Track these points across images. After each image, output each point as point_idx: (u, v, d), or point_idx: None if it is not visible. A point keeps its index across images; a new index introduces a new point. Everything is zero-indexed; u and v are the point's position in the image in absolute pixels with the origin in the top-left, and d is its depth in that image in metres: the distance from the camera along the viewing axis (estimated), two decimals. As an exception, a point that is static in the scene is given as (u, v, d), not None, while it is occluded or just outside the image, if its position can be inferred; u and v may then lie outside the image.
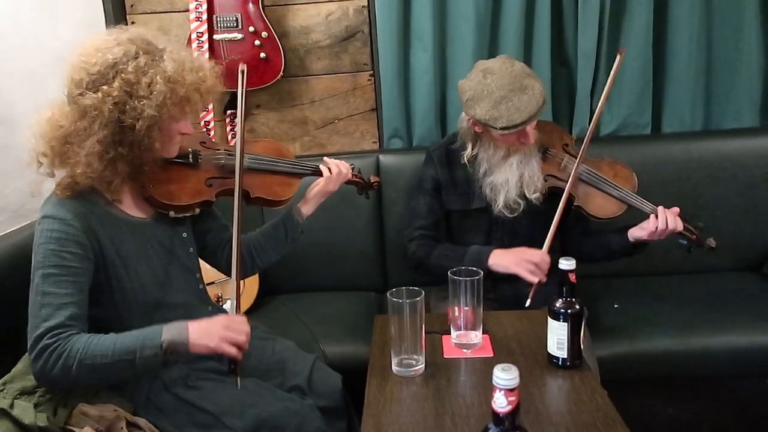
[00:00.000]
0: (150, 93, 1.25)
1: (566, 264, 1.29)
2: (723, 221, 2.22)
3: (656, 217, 1.73)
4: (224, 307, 2.01)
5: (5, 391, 1.28)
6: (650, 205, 1.79)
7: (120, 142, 1.27)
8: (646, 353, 1.85)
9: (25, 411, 1.24)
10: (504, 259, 1.74)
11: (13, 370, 1.34)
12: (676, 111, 2.37)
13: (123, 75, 1.24)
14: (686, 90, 2.33)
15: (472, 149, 1.84)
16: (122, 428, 1.27)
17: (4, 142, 1.58)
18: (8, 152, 1.49)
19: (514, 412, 0.83)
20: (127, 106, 1.25)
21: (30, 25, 1.81)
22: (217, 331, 1.26)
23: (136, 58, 1.26)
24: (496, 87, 1.67)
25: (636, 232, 1.79)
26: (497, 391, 0.82)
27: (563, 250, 1.93)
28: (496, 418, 0.83)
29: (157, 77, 1.26)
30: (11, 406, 1.24)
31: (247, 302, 2.17)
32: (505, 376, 0.81)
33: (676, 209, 1.76)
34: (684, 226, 1.76)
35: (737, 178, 2.25)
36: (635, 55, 2.29)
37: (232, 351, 1.26)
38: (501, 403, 0.81)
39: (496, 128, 1.68)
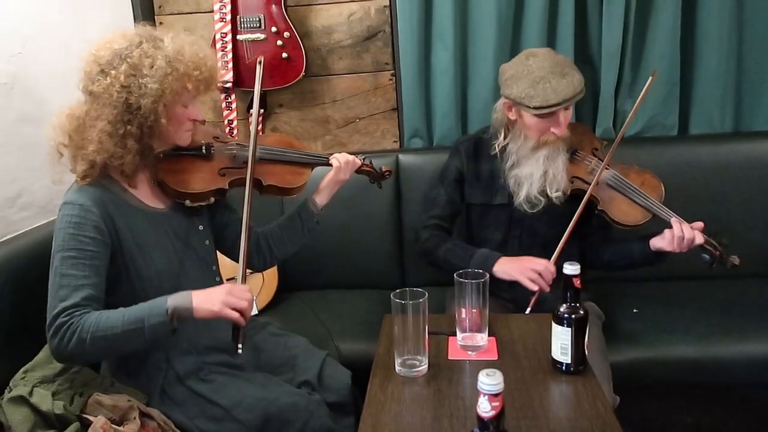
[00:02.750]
0: (152, 71, 1.34)
1: (571, 269, 1.27)
2: (751, 226, 2.17)
3: (672, 228, 1.70)
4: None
5: (26, 379, 1.35)
6: (675, 216, 1.75)
7: (128, 121, 1.35)
8: (664, 360, 1.81)
9: (43, 399, 1.30)
10: (508, 267, 1.74)
11: (35, 358, 1.40)
12: (704, 112, 2.32)
13: (128, 60, 1.34)
14: (715, 90, 2.27)
15: (504, 139, 1.84)
16: (135, 418, 1.32)
17: (33, 140, 1.65)
18: (36, 150, 1.56)
19: (498, 417, 0.83)
20: (132, 86, 1.34)
21: (59, 27, 1.88)
22: (219, 296, 1.29)
23: (140, 45, 1.37)
24: (537, 68, 1.69)
25: (657, 242, 1.75)
26: (481, 396, 0.82)
27: (582, 258, 1.91)
28: (481, 423, 0.84)
29: (158, 57, 1.36)
30: (30, 393, 1.30)
31: (266, 298, 2.22)
32: (489, 381, 0.81)
33: (700, 224, 1.71)
34: (707, 240, 1.71)
35: (767, 182, 2.18)
36: (662, 54, 2.25)
37: (234, 315, 1.29)
38: (485, 408, 0.82)
39: (530, 107, 1.69)
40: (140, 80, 1.34)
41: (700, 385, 1.87)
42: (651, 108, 2.31)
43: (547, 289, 1.68)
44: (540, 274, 1.68)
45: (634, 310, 2.02)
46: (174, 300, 1.27)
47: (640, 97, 1.79)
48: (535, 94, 1.67)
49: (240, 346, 1.32)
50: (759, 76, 2.27)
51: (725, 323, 1.89)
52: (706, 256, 1.73)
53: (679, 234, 1.67)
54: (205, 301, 1.28)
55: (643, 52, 2.27)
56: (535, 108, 1.68)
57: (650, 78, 1.79)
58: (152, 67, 1.34)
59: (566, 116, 1.73)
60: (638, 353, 1.82)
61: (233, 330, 1.33)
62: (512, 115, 1.79)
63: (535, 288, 1.69)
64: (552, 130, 1.73)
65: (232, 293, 1.30)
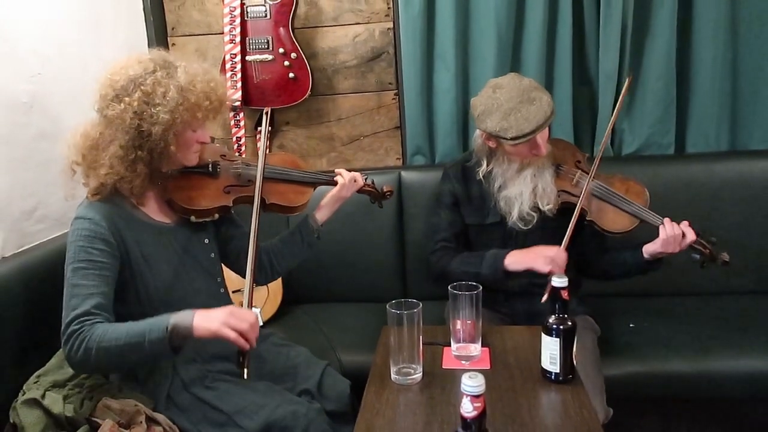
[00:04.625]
0: (164, 101, 1.39)
1: (558, 281, 1.32)
2: (747, 243, 2.20)
3: (664, 227, 1.74)
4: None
5: (39, 383, 1.42)
6: (662, 219, 1.79)
7: (139, 146, 1.41)
8: (660, 374, 1.85)
9: (55, 402, 1.36)
10: (519, 257, 1.77)
11: (47, 364, 1.47)
12: (700, 131, 2.37)
13: (142, 87, 1.39)
14: (711, 109, 2.33)
15: (487, 165, 1.89)
16: (141, 422, 1.37)
17: (49, 155, 1.73)
18: (52, 165, 1.63)
19: (480, 417, 0.88)
20: (145, 114, 1.39)
21: (76, 48, 1.97)
22: (219, 316, 1.29)
23: (154, 72, 1.41)
24: (505, 100, 1.74)
25: (650, 247, 1.79)
26: (464, 397, 0.87)
27: (579, 267, 1.96)
28: (464, 422, 0.89)
29: (171, 87, 1.40)
30: (43, 396, 1.37)
31: (270, 310, 2.28)
32: (471, 383, 0.86)
33: (686, 223, 1.76)
34: (696, 240, 1.76)
35: (764, 200, 2.22)
36: (658, 75, 2.31)
37: (232, 335, 1.28)
38: (467, 408, 0.87)
39: (506, 139, 1.74)
40: (152, 109, 1.39)
41: (695, 399, 1.90)
42: (648, 127, 2.37)
43: (562, 271, 1.67)
44: (551, 259, 1.70)
45: (630, 325, 2.05)
46: (176, 318, 1.29)
47: (620, 99, 1.86)
48: (508, 126, 1.72)
49: (245, 370, 1.33)
50: (753, 96, 2.32)
51: (721, 338, 1.92)
52: (696, 256, 1.77)
53: (671, 233, 1.71)
54: (205, 320, 1.29)
55: (639, 73, 2.33)
56: (512, 139, 1.73)
57: (627, 81, 1.85)
58: (165, 96, 1.39)
59: (543, 137, 1.78)
60: (634, 367, 1.85)
61: (237, 355, 1.34)
62: (492, 144, 1.84)
63: (548, 269, 1.69)
64: (533, 152, 1.79)
65: (233, 314, 1.31)
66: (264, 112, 1.74)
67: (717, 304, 2.16)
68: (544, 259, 1.71)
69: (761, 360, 1.83)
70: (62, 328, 1.32)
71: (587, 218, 1.83)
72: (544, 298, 1.69)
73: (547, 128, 1.80)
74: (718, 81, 2.29)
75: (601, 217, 1.83)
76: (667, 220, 1.76)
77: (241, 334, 1.30)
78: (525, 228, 1.85)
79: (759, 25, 2.25)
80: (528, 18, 2.32)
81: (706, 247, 1.77)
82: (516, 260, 1.77)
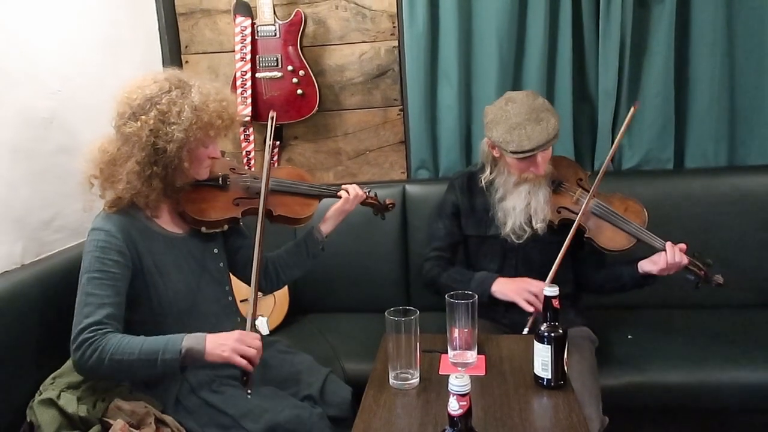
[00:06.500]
0: (179, 119, 1.46)
1: (550, 291, 1.37)
2: (743, 257, 2.23)
3: (665, 252, 1.78)
4: (255, 323, 2.17)
5: (54, 384, 1.48)
6: (659, 240, 1.84)
7: (155, 162, 1.49)
8: (657, 384, 1.88)
9: (69, 402, 1.43)
10: (506, 287, 1.84)
11: (62, 366, 1.53)
12: (698, 146, 2.41)
13: (158, 107, 1.46)
14: (709, 125, 2.37)
15: (490, 173, 1.97)
16: (151, 423, 1.43)
17: (67, 168, 1.81)
18: (69, 177, 1.71)
19: (465, 415, 0.93)
20: (160, 132, 1.46)
21: (95, 66, 2.05)
22: (230, 344, 1.40)
23: (169, 92, 1.49)
24: (514, 114, 1.81)
25: (646, 266, 1.84)
26: (451, 396, 0.93)
27: (577, 280, 2.01)
28: (451, 420, 0.94)
29: (185, 106, 1.47)
30: (58, 397, 1.44)
31: (277, 319, 2.34)
32: (457, 382, 0.92)
33: (683, 245, 1.81)
34: (691, 261, 1.79)
35: (761, 215, 2.25)
36: (656, 91, 2.36)
37: (242, 362, 1.40)
38: (454, 406, 0.92)
39: (506, 151, 1.81)
40: (168, 128, 1.46)
41: (690, 409, 1.93)
42: (647, 142, 2.41)
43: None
44: (536, 296, 1.77)
45: (629, 337, 2.09)
46: (189, 341, 1.39)
47: (623, 126, 1.90)
48: (510, 140, 1.79)
49: (249, 391, 1.45)
50: (751, 112, 2.36)
51: (717, 350, 1.96)
52: (691, 277, 1.81)
53: (672, 260, 1.76)
54: (217, 346, 1.40)
55: (638, 90, 2.38)
56: (512, 152, 1.80)
57: (632, 108, 1.90)
58: (179, 115, 1.46)
59: (544, 157, 1.84)
60: (632, 377, 1.89)
61: (242, 375, 1.45)
62: (496, 153, 1.92)
63: (531, 309, 1.77)
64: (531, 169, 1.85)
65: (242, 341, 1.42)
66: (269, 116, 1.78)
67: (714, 317, 2.19)
68: (526, 294, 1.79)
69: (756, 372, 1.86)
70: (73, 334, 1.39)
71: (585, 235, 1.88)
72: (525, 330, 1.78)
73: (549, 150, 1.87)
74: (715, 97, 2.34)
75: (599, 234, 1.88)
76: (669, 245, 1.79)
77: (249, 359, 1.41)
78: (517, 242, 1.91)
79: (755, 43, 2.30)
80: (529, 36, 2.39)
81: (701, 269, 1.80)
82: (501, 289, 1.84)
